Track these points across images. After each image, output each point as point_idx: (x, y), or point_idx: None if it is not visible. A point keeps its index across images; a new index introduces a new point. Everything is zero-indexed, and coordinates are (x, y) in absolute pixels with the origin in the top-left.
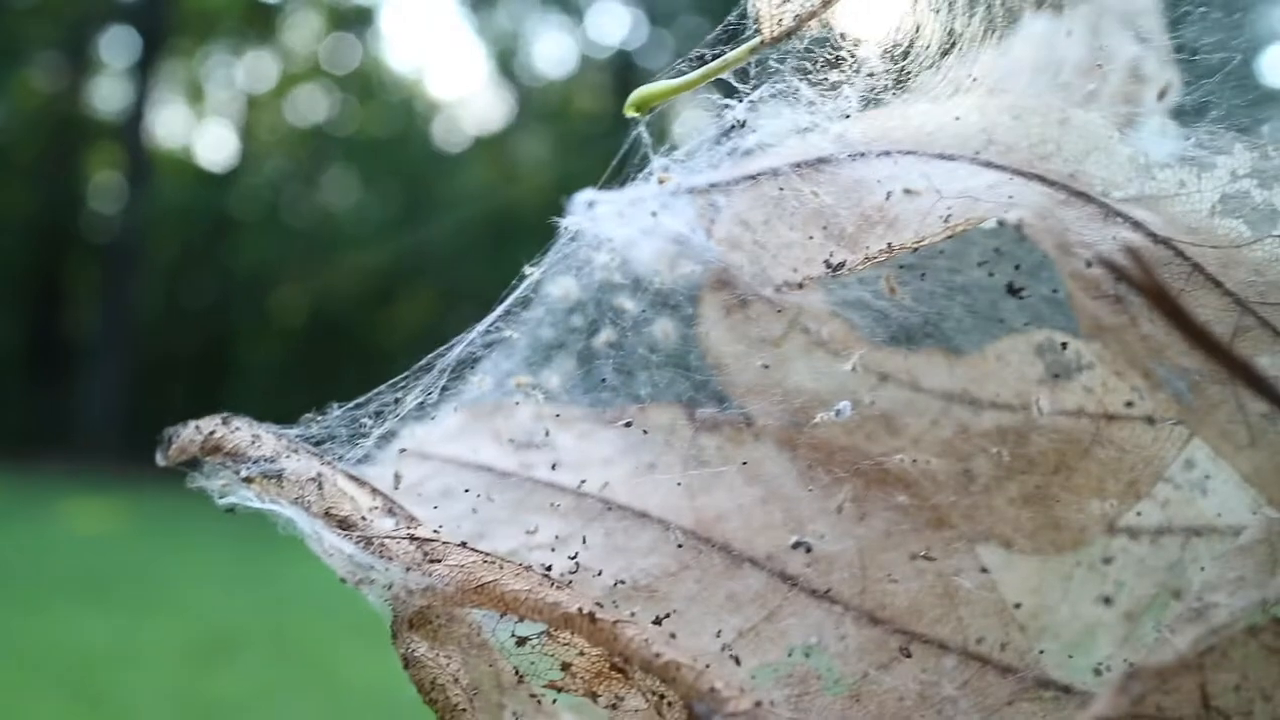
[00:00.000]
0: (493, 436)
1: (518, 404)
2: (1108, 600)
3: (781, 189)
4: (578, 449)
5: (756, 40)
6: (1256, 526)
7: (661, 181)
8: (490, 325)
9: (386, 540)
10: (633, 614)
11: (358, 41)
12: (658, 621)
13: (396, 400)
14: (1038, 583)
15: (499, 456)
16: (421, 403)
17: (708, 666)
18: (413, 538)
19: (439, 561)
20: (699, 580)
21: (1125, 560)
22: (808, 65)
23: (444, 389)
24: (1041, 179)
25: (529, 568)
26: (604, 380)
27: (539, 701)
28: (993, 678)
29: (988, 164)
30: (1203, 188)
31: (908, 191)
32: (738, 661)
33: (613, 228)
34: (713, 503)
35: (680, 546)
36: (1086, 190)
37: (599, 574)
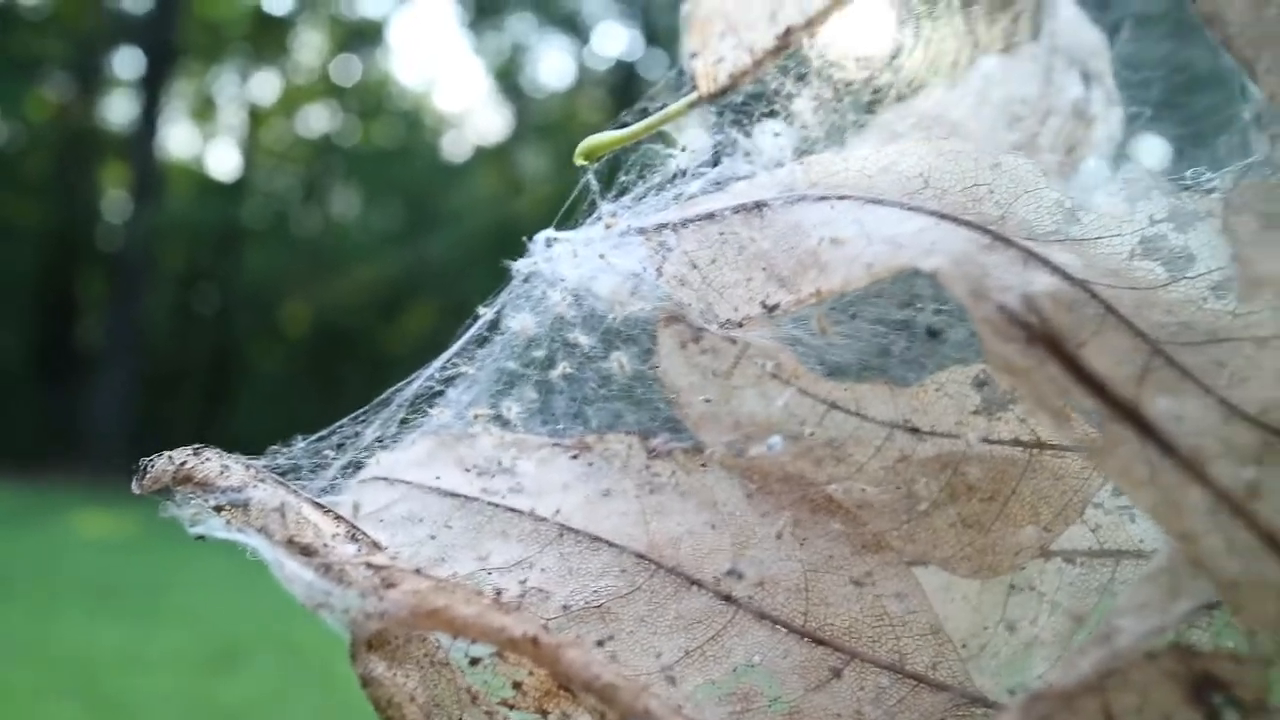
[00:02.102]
0: (457, 463)
1: (480, 433)
2: (1041, 621)
3: (722, 232)
4: (537, 476)
5: (694, 96)
6: (1162, 555)
7: (609, 226)
8: (447, 361)
9: (344, 567)
10: (579, 635)
11: (365, 56)
12: (601, 643)
13: (357, 433)
14: (978, 603)
15: (462, 483)
16: (379, 436)
17: (647, 687)
18: (369, 564)
19: (394, 587)
20: (649, 602)
21: (1059, 582)
22: (744, 119)
23: (403, 421)
24: (968, 224)
25: (480, 592)
26: (561, 411)
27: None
28: (926, 695)
29: (918, 209)
30: (1123, 231)
31: (836, 238)
32: (674, 682)
33: (567, 267)
34: (664, 527)
35: (632, 570)
36: (1010, 235)
37: (553, 596)
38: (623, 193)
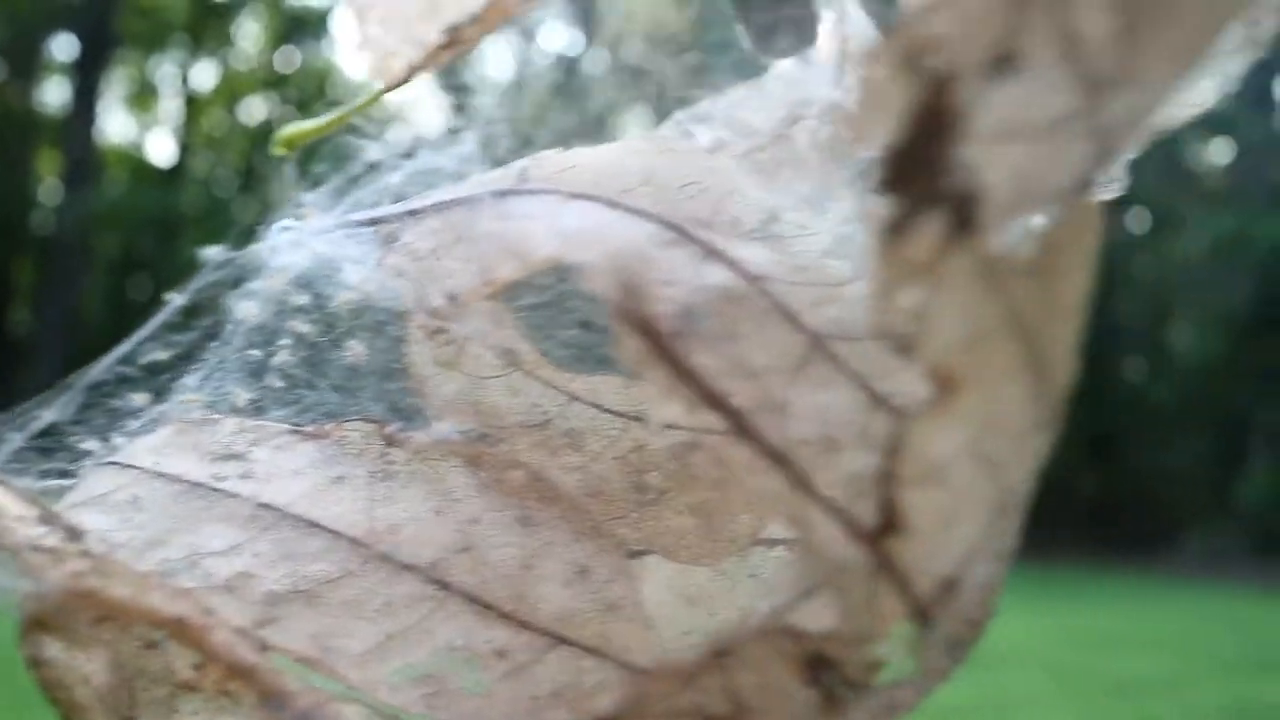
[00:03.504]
0: (192, 449)
1: (221, 420)
2: (764, 608)
3: (441, 224)
4: (269, 462)
5: (379, 89)
6: None
7: (302, 217)
8: (137, 346)
9: (15, 548)
10: (273, 617)
11: (307, 46)
12: (262, 625)
13: (37, 416)
14: (708, 590)
15: (192, 468)
16: (57, 420)
17: (277, 669)
18: (35, 546)
19: (57, 567)
20: (358, 586)
21: (778, 568)
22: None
23: (85, 406)
24: (659, 220)
25: (145, 575)
26: (304, 401)
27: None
28: (628, 676)
29: (618, 204)
30: (819, 229)
31: (511, 232)
32: (366, 666)
33: (289, 255)
34: (389, 514)
35: (345, 555)
36: (693, 231)
37: (262, 580)
38: (318, 183)
